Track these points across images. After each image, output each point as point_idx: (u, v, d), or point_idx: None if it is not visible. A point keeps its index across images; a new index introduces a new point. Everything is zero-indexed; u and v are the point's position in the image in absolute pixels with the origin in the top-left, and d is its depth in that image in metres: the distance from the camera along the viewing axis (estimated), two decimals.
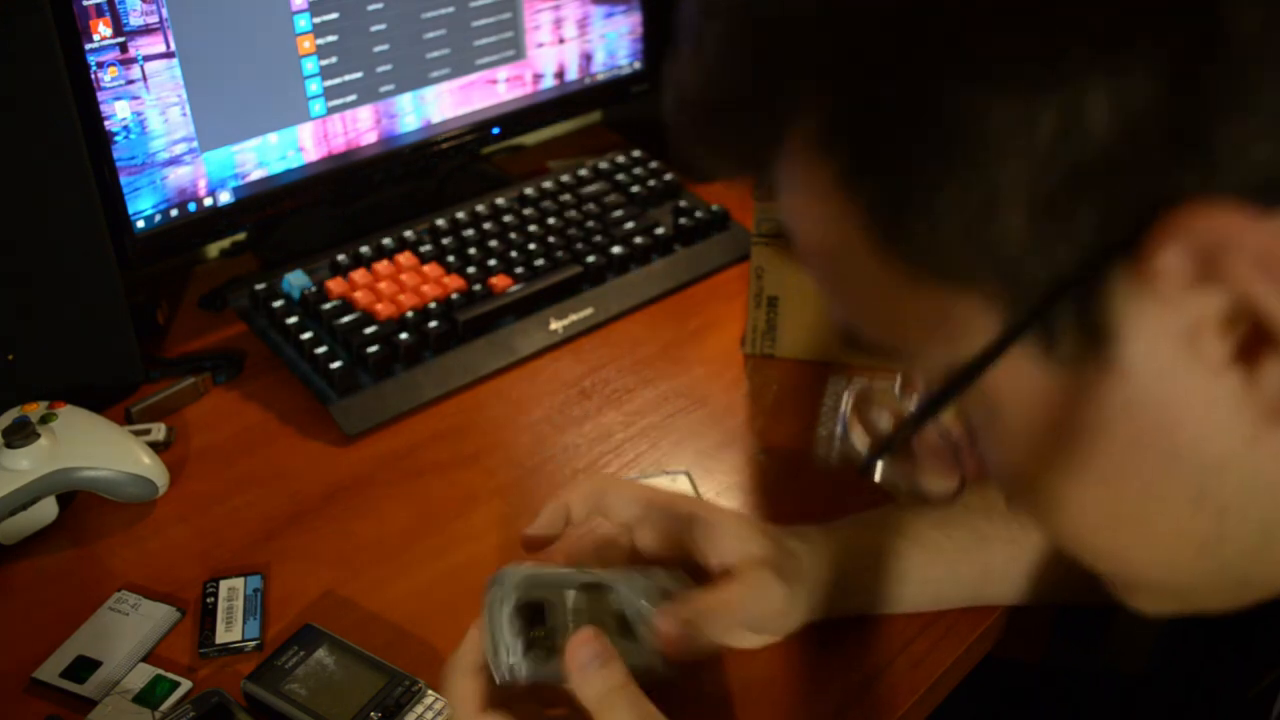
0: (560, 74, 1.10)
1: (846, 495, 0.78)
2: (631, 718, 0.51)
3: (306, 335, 0.87)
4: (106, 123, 0.81)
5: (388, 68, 0.97)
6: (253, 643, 0.66)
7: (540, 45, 1.07)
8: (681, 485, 0.77)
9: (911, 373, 0.43)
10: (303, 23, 0.90)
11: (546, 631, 0.54)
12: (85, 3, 0.77)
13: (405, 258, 0.95)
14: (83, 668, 0.64)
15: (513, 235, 0.99)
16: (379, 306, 0.90)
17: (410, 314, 0.89)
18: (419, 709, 0.61)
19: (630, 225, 1.02)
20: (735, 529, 0.61)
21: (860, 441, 0.49)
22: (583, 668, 0.52)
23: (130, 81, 0.81)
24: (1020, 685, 0.92)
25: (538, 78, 1.08)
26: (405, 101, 0.99)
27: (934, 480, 0.45)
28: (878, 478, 0.43)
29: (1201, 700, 0.94)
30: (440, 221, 1.00)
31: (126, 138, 0.82)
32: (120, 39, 0.80)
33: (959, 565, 0.65)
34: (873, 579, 0.65)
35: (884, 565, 0.65)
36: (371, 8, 0.94)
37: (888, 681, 0.65)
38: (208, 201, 0.90)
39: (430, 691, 0.62)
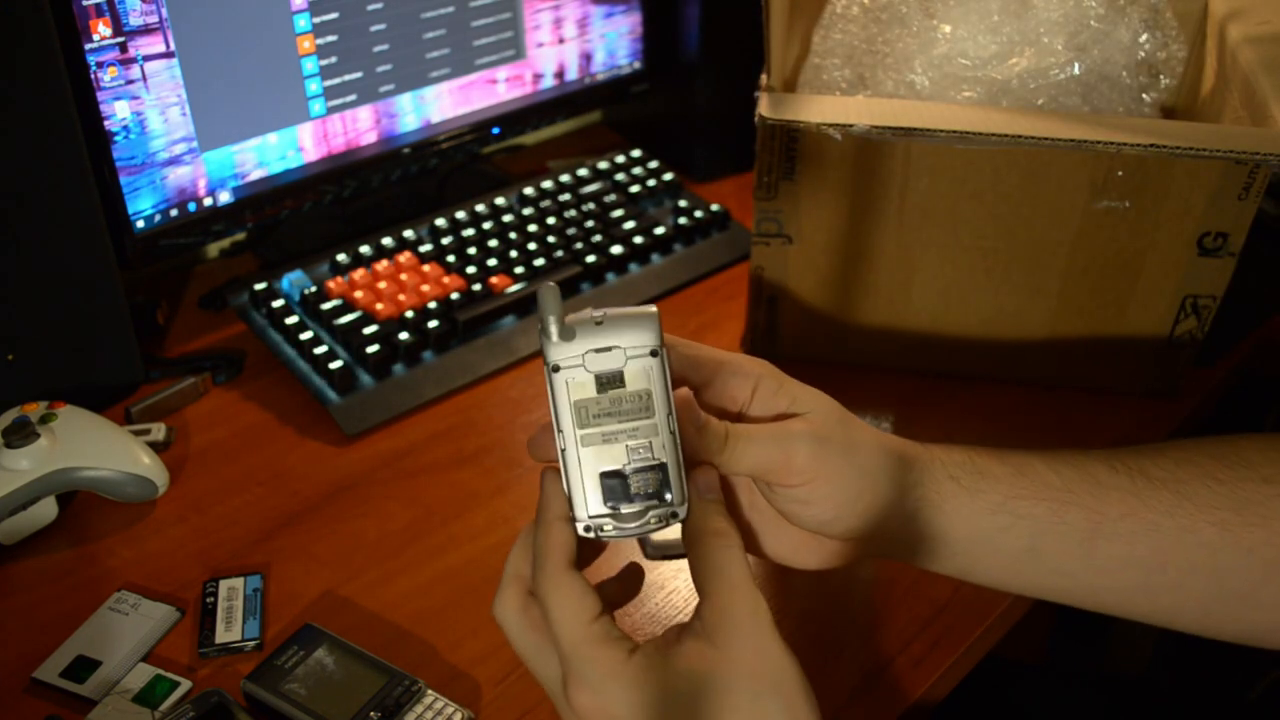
0: (560, 74, 1.10)
1: None
2: (739, 562, 0.46)
3: (306, 335, 0.87)
4: (106, 123, 0.81)
5: (387, 68, 0.97)
6: (252, 642, 0.66)
7: (540, 45, 1.07)
8: None
9: None
10: (303, 23, 0.90)
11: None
12: (85, 3, 0.77)
13: (405, 257, 0.95)
14: (82, 668, 0.64)
15: (513, 235, 0.99)
16: (379, 306, 0.90)
17: (410, 314, 0.89)
18: (419, 709, 0.61)
19: (630, 225, 1.02)
20: (808, 388, 0.53)
21: None
22: (703, 493, 0.49)
23: (130, 81, 0.81)
24: (1020, 687, 0.92)
25: (538, 78, 1.08)
26: (405, 101, 0.99)
27: None
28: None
29: (1201, 702, 0.94)
30: (440, 221, 1.00)
31: (126, 138, 0.82)
32: (120, 39, 0.80)
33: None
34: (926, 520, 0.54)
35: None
36: (371, 8, 0.94)
37: (888, 681, 0.65)
38: (208, 201, 0.90)
39: (430, 691, 0.62)
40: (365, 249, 0.96)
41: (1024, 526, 0.53)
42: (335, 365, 0.84)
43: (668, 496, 0.48)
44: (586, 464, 0.48)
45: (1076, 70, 0.84)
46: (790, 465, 0.50)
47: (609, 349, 0.49)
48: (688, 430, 0.50)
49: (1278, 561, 0.52)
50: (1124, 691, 0.95)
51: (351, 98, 0.95)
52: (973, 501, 0.53)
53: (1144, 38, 0.87)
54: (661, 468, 0.48)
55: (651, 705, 0.44)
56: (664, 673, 0.44)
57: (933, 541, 0.54)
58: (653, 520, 0.48)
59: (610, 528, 0.48)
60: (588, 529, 0.48)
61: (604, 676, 0.44)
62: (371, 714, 0.60)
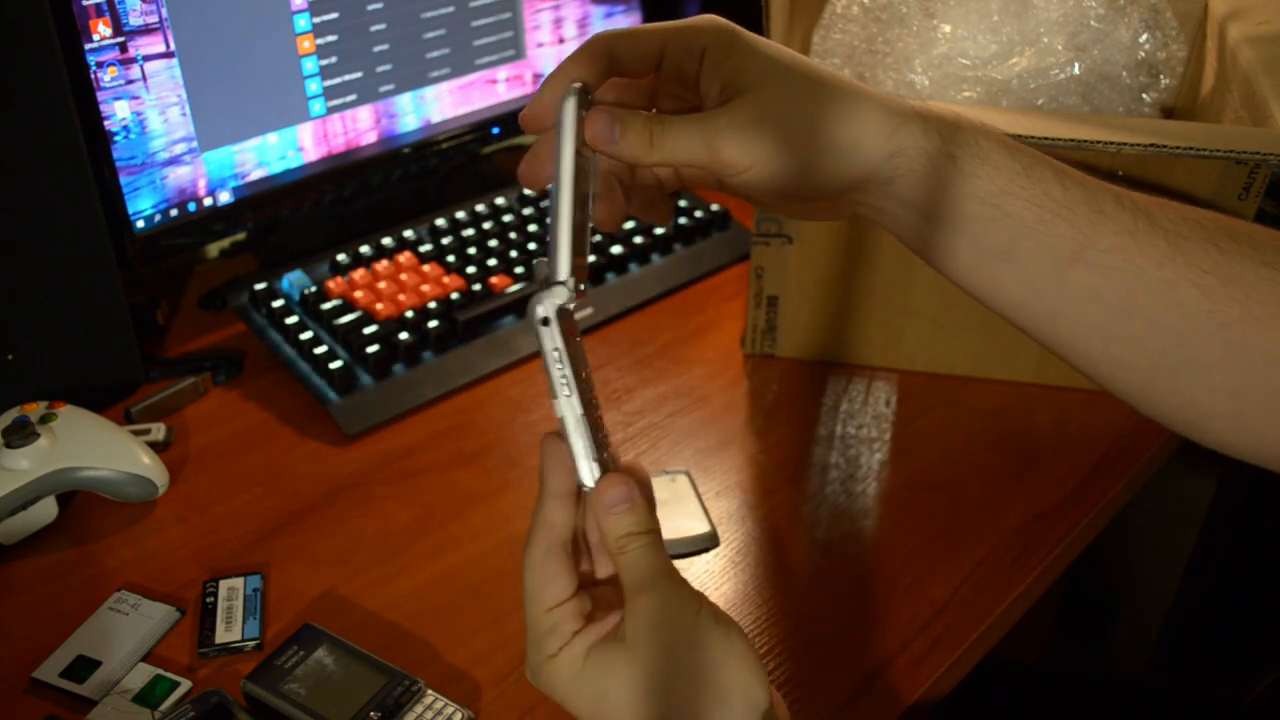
0: None
1: (851, 497, 0.79)
2: (647, 560, 0.47)
3: (306, 335, 0.87)
4: (106, 123, 0.81)
5: (387, 68, 0.97)
6: (252, 642, 0.66)
7: (540, 45, 1.07)
8: (681, 485, 0.77)
9: None
10: (303, 23, 0.90)
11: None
12: (85, 3, 0.77)
13: (405, 258, 0.95)
14: (82, 668, 0.64)
15: (513, 235, 1.00)
16: (379, 306, 0.90)
17: (410, 314, 0.90)
18: (418, 709, 0.61)
19: (630, 225, 1.02)
20: (764, 49, 0.48)
21: None
22: (609, 509, 0.48)
23: (130, 81, 0.81)
24: (1020, 688, 0.92)
25: (538, 78, 1.08)
26: (405, 101, 0.99)
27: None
28: None
29: (1199, 705, 0.94)
30: (440, 221, 1.00)
31: (126, 138, 0.82)
32: (120, 39, 0.80)
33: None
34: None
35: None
36: (371, 8, 0.94)
37: (888, 681, 0.65)
38: (208, 201, 0.90)
39: (430, 691, 0.62)
40: (365, 249, 0.96)
41: (1008, 225, 0.49)
42: (335, 365, 0.85)
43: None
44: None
45: (1076, 70, 0.84)
46: (718, 159, 0.47)
47: None
48: (610, 148, 0.47)
49: (1242, 344, 0.49)
50: (1123, 694, 0.95)
51: (351, 98, 0.95)
52: (962, 184, 0.49)
53: (1144, 38, 0.87)
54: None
55: (566, 703, 0.47)
56: (581, 674, 0.46)
57: (903, 209, 0.51)
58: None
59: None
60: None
61: (536, 667, 0.47)
62: (371, 714, 0.60)
